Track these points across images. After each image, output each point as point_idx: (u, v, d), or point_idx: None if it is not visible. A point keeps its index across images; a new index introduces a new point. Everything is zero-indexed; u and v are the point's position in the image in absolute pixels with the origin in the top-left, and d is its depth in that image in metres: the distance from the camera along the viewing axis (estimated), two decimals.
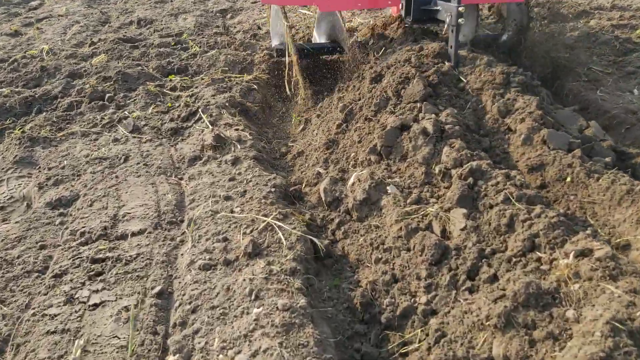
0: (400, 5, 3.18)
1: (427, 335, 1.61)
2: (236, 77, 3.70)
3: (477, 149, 2.26)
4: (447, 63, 2.69)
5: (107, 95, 3.46)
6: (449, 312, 1.63)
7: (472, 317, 1.54)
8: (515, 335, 1.42)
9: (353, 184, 2.27)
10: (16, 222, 2.30)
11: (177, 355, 1.54)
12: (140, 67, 3.90)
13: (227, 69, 3.90)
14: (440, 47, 2.82)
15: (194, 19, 5.49)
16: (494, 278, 1.67)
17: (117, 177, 2.53)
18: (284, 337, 1.50)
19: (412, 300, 1.74)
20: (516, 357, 1.38)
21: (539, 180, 2.10)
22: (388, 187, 2.17)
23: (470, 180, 1.97)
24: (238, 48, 4.37)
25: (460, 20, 2.62)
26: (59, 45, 4.81)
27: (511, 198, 1.83)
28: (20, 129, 3.16)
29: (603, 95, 3.07)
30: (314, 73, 3.57)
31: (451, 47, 2.70)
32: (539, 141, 2.18)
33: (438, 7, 2.86)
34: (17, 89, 3.74)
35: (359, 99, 2.77)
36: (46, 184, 2.54)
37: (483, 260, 1.73)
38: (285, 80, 3.37)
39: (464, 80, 2.63)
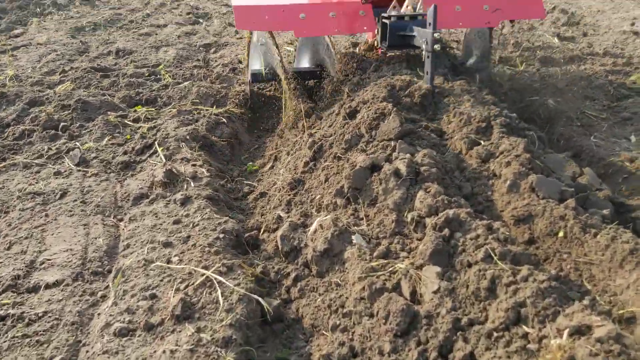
0: (376, 30, 3.07)
1: None
2: (206, 110, 3.45)
3: (456, 195, 1.97)
4: (426, 96, 2.48)
5: (62, 124, 3.18)
6: None
7: None
8: None
9: (315, 231, 1.97)
10: None
11: None
12: (104, 97, 3.64)
13: (198, 101, 3.65)
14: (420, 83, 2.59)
15: (175, 52, 5.30)
16: (470, 357, 1.34)
17: (47, 215, 2.21)
18: None
19: None
20: None
21: (526, 234, 1.80)
22: (353, 237, 1.87)
23: (447, 231, 1.67)
24: (214, 81, 4.15)
25: (436, 46, 2.50)
26: (28, 72, 4.58)
27: (493, 256, 1.53)
28: None
29: (598, 141, 2.82)
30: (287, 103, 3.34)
31: (427, 72, 2.57)
32: (527, 188, 1.90)
33: (414, 33, 2.75)
34: None
35: (331, 135, 2.50)
36: None
37: (458, 334, 1.41)
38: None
39: (444, 118, 2.38)
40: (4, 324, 1.59)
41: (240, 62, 4.75)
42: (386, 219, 1.90)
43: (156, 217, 2.16)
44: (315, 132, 2.69)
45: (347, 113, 2.53)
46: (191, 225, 2.06)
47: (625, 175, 2.51)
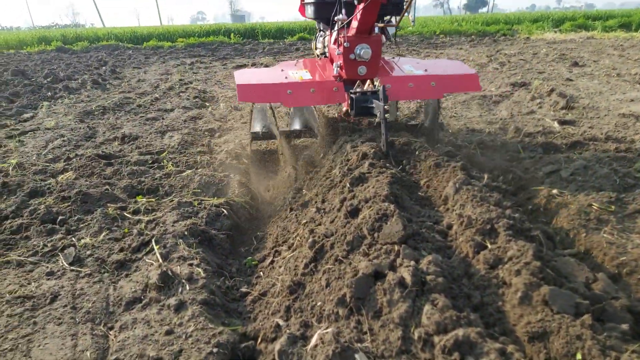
0: (348, 101, 3.85)
1: None
2: (206, 200, 3.42)
3: (465, 306, 1.87)
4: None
5: (60, 217, 3.14)
6: None
7: None
8: None
9: (315, 346, 1.84)
10: None
11: None
12: (105, 187, 3.63)
13: (199, 190, 3.63)
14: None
15: (180, 137, 5.39)
16: None
17: (35, 323, 2.10)
18: None
19: None
20: None
21: (543, 355, 1.67)
22: (356, 356, 1.74)
23: (457, 356, 1.55)
24: (217, 169, 4.16)
25: (386, 115, 3.31)
26: (32, 160, 4.63)
27: None
28: None
29: (608, 236, 2.74)
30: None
31: (383, 134, 3.34)
32: (540, 301, 1.79)
33: (373, 105, 3.62)
34: None
35: (332, 234, 2.43)
36: None
37: None
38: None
39: (445, 225, 2.32)
40: None
41: (243, 147, 4.80)
42: (392, 334, 1.78)
43: (148, 325, 2.05)
44: (316, 229, 2.63)
45: (348, 212, 2.48)
46: (184, 336, 1.94)
47: None
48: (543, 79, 8.63)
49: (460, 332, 1.60)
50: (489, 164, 4.04)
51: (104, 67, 13.55)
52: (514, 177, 3.63)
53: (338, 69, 3.92)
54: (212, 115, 6.75)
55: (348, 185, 2.84)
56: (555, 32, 22.99)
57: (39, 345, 1.97)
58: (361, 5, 3.41)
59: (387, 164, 3.18)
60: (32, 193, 3.66)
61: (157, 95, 8.44)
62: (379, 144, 3.49)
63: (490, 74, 9.83)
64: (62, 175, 3.95)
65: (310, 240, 2.44)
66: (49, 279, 2.46)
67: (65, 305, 2.21)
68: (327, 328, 1.89)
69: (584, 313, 1.74)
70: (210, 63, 14.81)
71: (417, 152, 3.46)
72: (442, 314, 1.72)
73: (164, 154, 4.67)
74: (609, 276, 2.39)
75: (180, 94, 8.73)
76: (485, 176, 3.11)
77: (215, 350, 1.85)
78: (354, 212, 2.47)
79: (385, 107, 3.31)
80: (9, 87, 9.17)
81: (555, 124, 5.43)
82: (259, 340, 2.09)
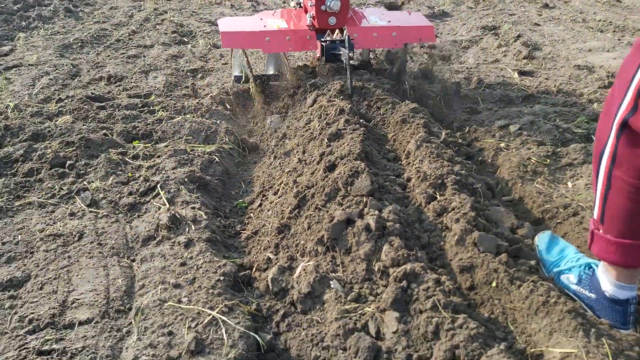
0: (320, 49, 4.51)
1: None
2: (199, 147, 3.83)
3: (415, 245, 2.43)
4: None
5: (68, 162, 3.52)
6: None
7: None
8: None
9: (299, 275, 2.39)
10: None
11: None
12: (103, 132, 3.98)
13: (190, 137, 4.03)
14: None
15: (164, 78, 5.64)
16: None
17: (69, 257, 2.57)
18: None
19: None
20: None
21: (469, 282, 2.27)
22: (331, 282, 2.30)
23: (405, 283, 2.12)
24: (204, 114, 4.52)
25: (351, 61, 4.04)
26: (25, 100, 4.86)
27: (438, 306, 1.98)
28: None
29: (539, 187, 3.32)
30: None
31: (348, 80, 4.06)
32: (470, 243, 2.36)
33: (340, 52, 4.28)
34: None
35: (312, 186, 2.93)
36: None
37: None
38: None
39: (405, 178, 2.84)
40: (52, 357, 1.97)
41: (227, 93, 5.12)
42: (358, 267, 2.34)
43: (164, 258, 2.55)
44: (298, 179, 3.12)
45: (326, 166, 2.96)
46: (195, 267, 2.46)
47: (559, 221, 3.00)
48: (512, 22, 8.95)
49: (408, 266, 2.16)
50: (450, 116, 4.53)
51: None
52: (470, 130, 4.14)
53: (311, 19, 4.48)
54: (192, 54, 6.92)
55: (326, 140, 3.31)
56: None
57: (77, 275, 2.46)
58: None
59: (361, 120, 3.64)
60: (34, 136, 3.98)
61: (134, 28, 8.43)
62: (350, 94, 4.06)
63: (463, 14, 10.05)
64: (60, 119, 4.25)
65: (295, 190, 2.93)
66: (72, 219, 2.90)
67: (92, 242, 2.68)
68: (309, 261, 2.44)
69: (503, 252, 2.32)
70: None
71: (376, 95, 4.20)
72: (397, 252, 2.27)
73: (152, 97, 4.97)
74: (533, 221, 3.00)
75: (157, 26, 8.73)
76: (443, 133, 3.61)
77: (221, 278, 2.37)
78: (331, 167, 2.95)
79: (350, 54, 4.00)
80: None
81: (515, 75, 5.90)
82: (254, 269, 2.63)
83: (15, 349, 2.02)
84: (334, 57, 4.43)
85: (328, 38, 4.43)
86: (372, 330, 2.05)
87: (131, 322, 2.17)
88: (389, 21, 4.69)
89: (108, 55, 6.73)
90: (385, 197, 2.70)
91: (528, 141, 3.88)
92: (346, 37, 4.10)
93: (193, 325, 2.09)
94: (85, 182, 3.30)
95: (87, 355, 1.99)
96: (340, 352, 2.02)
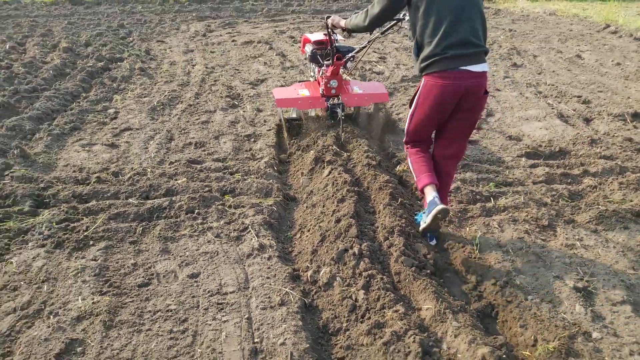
0: (326, 106, 7.82)
1: None
2: (264, 202, 6.75)
3: (376, 262, 5.30)
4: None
5: (196, 210, 6.45)
6: None
7: None
8: None
9: (322, 274, 5.26)
10: (168, 295, 5.23)
11: None
12: (208, 189, 6.92)
13: (258, 193, 6.95)
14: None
15: (231, 144, 8.54)
16: None
17: (215, 264, 5.48)
18: None
19: None
20: None
21: (397, 279, 5.14)
22: (337, 278, 5.17)
23: (368, 279, 5.00)
24: (262, 176, 7.43)
25: (341, 116, 7.66)
26: (148, 162, 7.82)
27: (381, 288, 4.86)
28: (154, 230, 6.12)
29: (450, 230, 6.18)
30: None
31: (340, 128, 7.88)
32: (400, 262, 5.24)
33: (337, 110, 7.71)
34: (138, 201, 6.71)
35: (327, 230, 5.81)
36: (182, 264, 5.48)
37: None
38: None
39: (376, 226, 5.78)
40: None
41: (280, 161, 8.00)
42: (349, 272, 5.20)
43: (258, 265, 5.44)
44: (321, 224, 6.00)
45: (336, 220, 5.85)
46: (274, 269, 5.34)
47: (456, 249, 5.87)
48: None
49: (371, 271, 5.02)
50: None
51: (130, 38, 16.20)
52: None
53: (322, 89, 7.62)
54: (244, 119, 9.83)
55: (336, 202, 6.19)
56: None
57: (222, 272, 5.36)
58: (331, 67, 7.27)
59: (355, 188, 6.52)
60: (167, 192, 6.93)
61: (196, 90, 11.38)
62: (347, 167, 7.08)
63: None
64: (180, 179, 7.20)
65: (319, 232, 5.81)
66: (209, 244, 5.82)
67: (223, 256, 5.59)
68: (327, 268, 5.29)
69: (414, 267, 5.19)
70: (220, 34, 17.40)
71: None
72: (366, 265, 5.13)
73: (228, 162, 7.90)
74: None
75: (212, 87, 11.66)
76: (399, 199, 6.49)
77: (287, 274, 5.26)
78: (337, 220, 5.83)
79: (341, 112, 7.60)
80: (66, 67, 12.08)
81: None
82: (300, 271, 5.49)
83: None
84: (334, 113, 7.79)
85: (331, 102, 7.72)
86: (354, 298, 4.91)
87: (250, 295, 5.06)
88: (363, 90, 7.81)
89: (187, 121, 9.66)
90: (364, 237, 5.59)
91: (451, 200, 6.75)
92: (340, 101, 7.67)
93: (279, 295, 4.96)
94: (207, 222, 6.22)
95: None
96: (339, 309, 4.87)
